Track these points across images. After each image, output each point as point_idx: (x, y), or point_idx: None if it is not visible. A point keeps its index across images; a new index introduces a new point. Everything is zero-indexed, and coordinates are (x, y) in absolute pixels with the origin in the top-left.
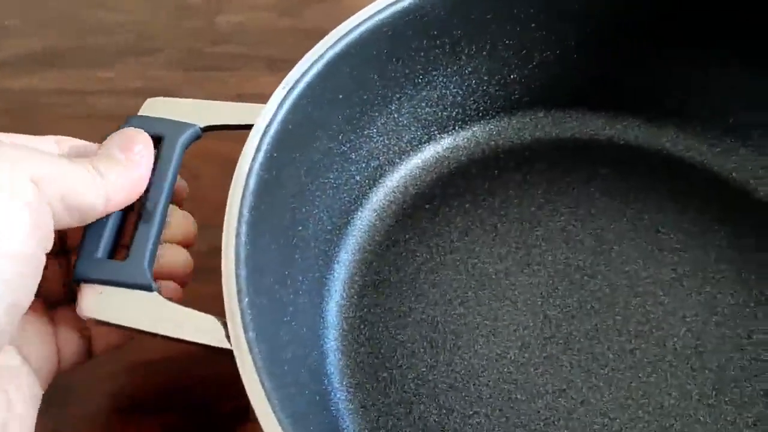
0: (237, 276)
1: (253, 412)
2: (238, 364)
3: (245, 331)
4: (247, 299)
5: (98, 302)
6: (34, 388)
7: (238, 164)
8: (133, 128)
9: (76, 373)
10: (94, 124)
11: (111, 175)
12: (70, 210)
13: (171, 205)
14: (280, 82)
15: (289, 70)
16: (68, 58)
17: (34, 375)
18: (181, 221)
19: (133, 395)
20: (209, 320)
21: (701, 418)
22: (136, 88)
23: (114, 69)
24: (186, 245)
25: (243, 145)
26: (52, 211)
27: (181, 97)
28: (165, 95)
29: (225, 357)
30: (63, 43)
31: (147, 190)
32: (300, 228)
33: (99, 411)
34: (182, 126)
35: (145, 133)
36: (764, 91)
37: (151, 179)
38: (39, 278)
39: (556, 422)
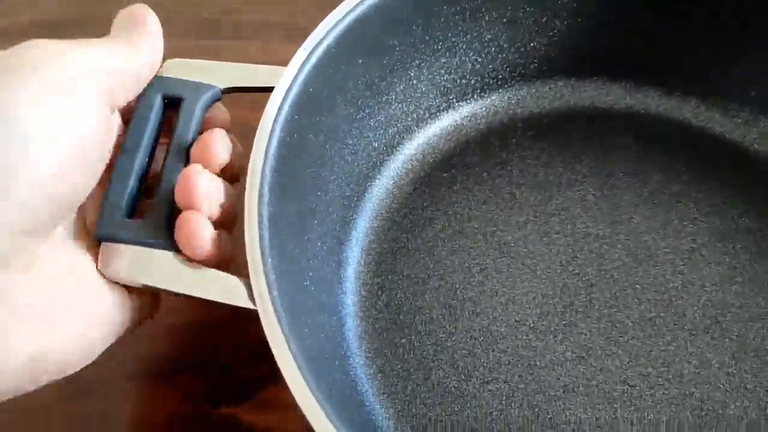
0: (261, 237)
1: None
2: (264, 324)
3: (269, 291)
4: (270, 260)
5: (120, 262)
6: None
7: (260, 124)
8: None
9: None
10: None
11: (143, 44)
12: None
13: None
14: (296, 51)
15: (306, 39)
16: (74, 27)
17: None
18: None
19: (152, 360)
20: (232, 280)
21: (721, 386)
22: None
23: None
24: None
25: (257, 111)
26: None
27: None
28: None
29: (245, 323)
30: (68, 12)
31: (166, 154)
32: (319, 193)
33: (118, 375)
34: (202, 87)
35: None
36: None
37: (170, 140)
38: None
39: (575, 389)
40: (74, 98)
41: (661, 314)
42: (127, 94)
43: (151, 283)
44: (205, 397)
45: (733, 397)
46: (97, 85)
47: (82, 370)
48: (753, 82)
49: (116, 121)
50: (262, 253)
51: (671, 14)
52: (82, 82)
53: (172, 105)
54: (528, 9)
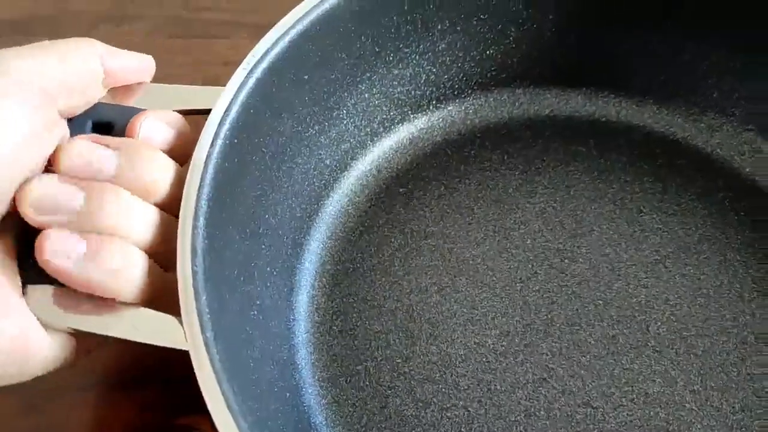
0: (194, 273)
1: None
2: (194, 367)
3: (203, 332)
4: (204, 297)
5: (47, 305)
6: None
7: (194, 153)
8: None
9: None
10: None
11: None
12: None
13: None
14: None
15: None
16: (44, 26)
17: None
18: None
19: (108, 369)
20: (168, 320)
21: (686, 405)
22: None
23: (93, 37)
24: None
25: None
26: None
27: (162, 65)
28: None
29: None
30: (39, 10)
31: None
32: (267, 216)
33: (73, 387)
34: (135, 112)
35: None
36: (747, 66)
37: None
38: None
39: (536, 413)
40: (12, 102)
41: (624, 331)
42: (70, 102)
43: (79, 327)
44: (163, 408)
45: (700, 416)
46: (32, 92)
47: (36, 381)
48: (714, 86)
49: (60, 130)
50: (195, 291)
51: (627, 19)
52: (18, 87)
53: (104, 131)
54: (482, 16)
